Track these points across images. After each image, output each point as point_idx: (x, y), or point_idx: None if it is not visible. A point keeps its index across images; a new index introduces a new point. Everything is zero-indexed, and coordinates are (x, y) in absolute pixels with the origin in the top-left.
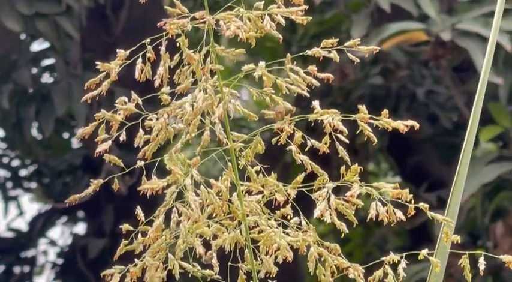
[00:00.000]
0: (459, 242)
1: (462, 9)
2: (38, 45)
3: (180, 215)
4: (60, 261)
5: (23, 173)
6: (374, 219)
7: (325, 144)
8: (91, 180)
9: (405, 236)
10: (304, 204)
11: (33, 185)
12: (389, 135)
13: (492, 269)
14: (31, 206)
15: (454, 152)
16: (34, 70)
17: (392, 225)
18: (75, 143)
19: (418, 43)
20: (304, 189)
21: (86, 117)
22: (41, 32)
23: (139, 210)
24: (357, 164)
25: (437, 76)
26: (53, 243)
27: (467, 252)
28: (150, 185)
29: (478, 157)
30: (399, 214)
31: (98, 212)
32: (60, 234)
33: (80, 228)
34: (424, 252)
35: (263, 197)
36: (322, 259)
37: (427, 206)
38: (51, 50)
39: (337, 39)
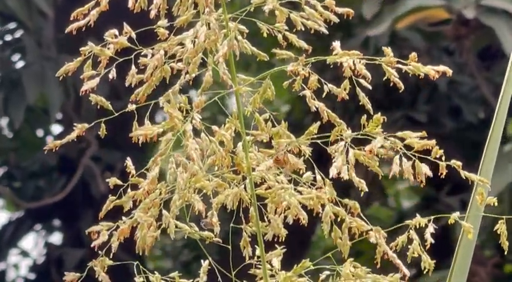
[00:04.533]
0: (495, 204)
1: None
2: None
3: (178, 166)
4: (32, 276)
5: None
6: (397, 176)
7: (345, 89)
8: (67, 181)
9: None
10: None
11: (3, 189)
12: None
13: None
14: (0, 215)
15: (479, 150)
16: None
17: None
18: (50, 142)
19: (438, 22)
20: (318, 141)
21: (61, 104)
22: (10, 9)
23: (129, 162)
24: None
25: (461, 64)
26: (25, 254)
27: (504, 217)
28: (144, 131)
29: (505, 153)
30: (426, 169)
31: (76, 219)
32: (33, 244)
33: (56, 238)
34: (455, 215)
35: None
36: (339, 220)
37: (459, 163)
38: (21, 29)
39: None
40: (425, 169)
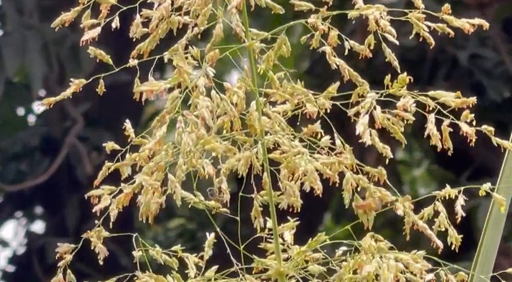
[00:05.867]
0: None
1: None
2: None
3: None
4: (12, 268)
5: None
6: (432, 135)
7: (369, 45)
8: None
9: (441, 239)
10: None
11: None
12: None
13: None
14: None
15: (503, 131)
16: None
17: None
18: (32, 119)
19: None
20: (338, 103)
21: (43, 77)
22: None
23: (128, 125)
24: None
25: (484, 37)
26: (4, 244)
27: None
28: (148, 86)
29: None
30: (466, 128)
31: (59, 206)
32: (13, 233)
33: (38, 226)
34: (486, 186)
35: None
36: (359, 189)
37: (491, 129)
38: None
39: None
40: (465, 128)
